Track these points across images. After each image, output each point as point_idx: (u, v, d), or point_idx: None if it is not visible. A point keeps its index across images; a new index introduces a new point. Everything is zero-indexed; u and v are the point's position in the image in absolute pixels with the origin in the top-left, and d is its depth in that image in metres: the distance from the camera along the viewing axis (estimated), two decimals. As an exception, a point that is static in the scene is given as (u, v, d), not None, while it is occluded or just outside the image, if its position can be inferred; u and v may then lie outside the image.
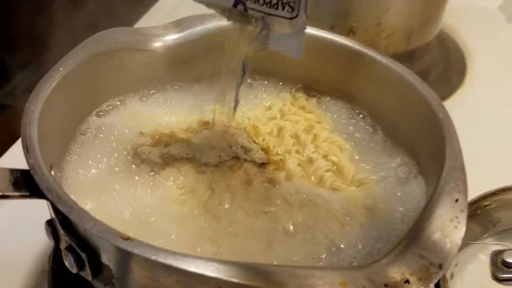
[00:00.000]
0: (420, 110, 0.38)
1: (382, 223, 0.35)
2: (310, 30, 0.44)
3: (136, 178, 0.37)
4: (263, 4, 0.31)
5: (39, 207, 0.38)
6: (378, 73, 0.42)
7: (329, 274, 0.25)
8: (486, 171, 0.51)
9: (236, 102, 0.38)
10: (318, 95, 0.47)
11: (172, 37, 0.44)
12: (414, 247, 0.27)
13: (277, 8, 0.31)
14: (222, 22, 0.44)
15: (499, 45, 0.75)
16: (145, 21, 0.73)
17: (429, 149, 0.35)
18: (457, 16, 0.78)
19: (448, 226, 0.27)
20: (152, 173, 0.37)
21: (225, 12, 0.34)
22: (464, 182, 0.30)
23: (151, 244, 0.25)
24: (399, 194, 0.37)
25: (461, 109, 0.63)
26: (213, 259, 0.24)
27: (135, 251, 0.24)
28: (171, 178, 0.37)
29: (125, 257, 0.26)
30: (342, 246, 0.33)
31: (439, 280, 0.36)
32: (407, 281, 0.25)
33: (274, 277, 0.24)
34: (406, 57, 0.66)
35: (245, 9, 0.32)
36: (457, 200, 0.29)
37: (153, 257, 0.24)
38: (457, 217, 0.28)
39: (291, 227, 0.34)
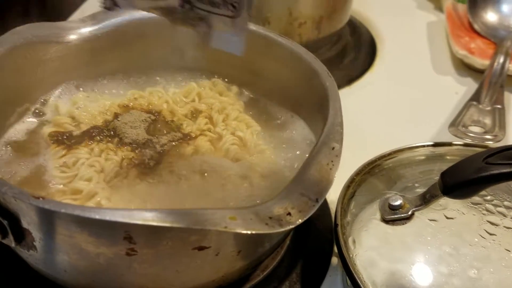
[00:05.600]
0: (312, 81, 0.43)
1: (275, 184, 0.40)
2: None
3: (47, 160, 0.41)
4: (207, 3, 0.33)
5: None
6: (279, 53, 0.47)
7: (221, 211, 0.29)
8: (387, 137, 0.58)
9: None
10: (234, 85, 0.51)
11: (88, 29, 0.47)
12: (296, 187, 0.31)
13: (220, 8, 0.33)
14: (137, 14, 0.49)
15: (408, 30, 0.82)
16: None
17: (319, 112, 0.41)
18: (369, 4, 0.85)
19: (325, 168, 0.32)
20: (63, 152, 0.40)
21: (168, 16, 0.36)
22: (341, 134, 0.35)
23: (60, 201, 0.28)
24: (292, 157, 0.42)
25: (370, 87, 0.70)
26: (118, 208, 0.28)
27: (46, 206, 0.28)
28: (82, 157, 0.40)
29: (40, 215, 0.29)
30: (231, 203, 0.38)
31: (337, 226, 0.41)
32: (288, 214, 0.30)
33: (174, 217, 0.28)
34: (319, 44, 0.72)
35: (192, 8, 0.34)
36: (333, 148, 0.34)
37: (62, 210, 0.27)
38: (332, 161, 0.33)
39: (191, 191, 0.39)
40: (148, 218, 0.27)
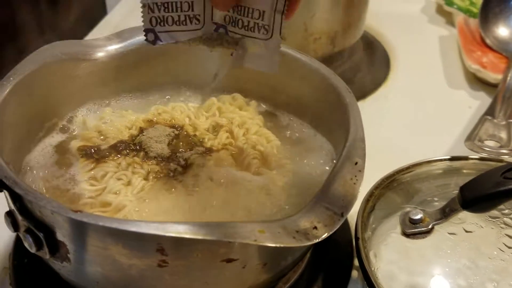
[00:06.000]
0: (331, 96, 0.44)
1: (295, 196, 0.41)
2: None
3: (76, 173, 0.42)
4: (241, 28, 0.35)
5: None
6: (298, 69, 0.49)
7: (250, 225, 0.30)
8: (403, 150, 0.59)
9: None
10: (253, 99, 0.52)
11: (114, 47, 0.48)
12: (321, 202, 0.32)
13: (253, 31, 0.35)
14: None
15: (421, 44, 0.83)
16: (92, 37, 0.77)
17: (340, 127, 0.42)
18: (381, 19, 0.86)
19: (349, 183, 0.33)
20: (92, 166, 0.42)
21: (206, 42, 0.37)
22: (363, 149, 0.36)
23: (98, 215, 0.29)
24: (312, 171, 0.43)
25: (384, 101, 0.71)
26: (152, 221, 0.29)
27: (85, 219, 0.29)
28: (111, 171, 0.42)
29: (77, 228, 0.31)
30: (255, 216, 0.39)
31: (358, 240, 0.42)
32: (315, 228, 0.31)
33: (206, 230, 0.29)
34: (334, 59, 0.73)
35: (226, 32, 0.36)
36: (356, 163, 0.35)
37: (100, 223, 0.29)
38: (355, 176, 0.34)
39: (214, 203, 0.40)
40: (181, 230, 0.29)
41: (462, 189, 0.40)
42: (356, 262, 0.47)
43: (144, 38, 0.36)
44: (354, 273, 0.47)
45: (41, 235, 0.33)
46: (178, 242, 0.30)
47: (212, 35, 0.36)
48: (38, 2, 0.76)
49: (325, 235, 0.31)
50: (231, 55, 0.38)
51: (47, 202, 0.30)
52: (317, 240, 0.30)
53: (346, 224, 0.50)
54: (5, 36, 0.67)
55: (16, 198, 0.33)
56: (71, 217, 0.29)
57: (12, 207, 0.34)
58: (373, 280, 0.39)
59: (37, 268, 0.43)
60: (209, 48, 0.37)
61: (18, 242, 0.45)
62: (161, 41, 0.36)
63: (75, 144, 0.44)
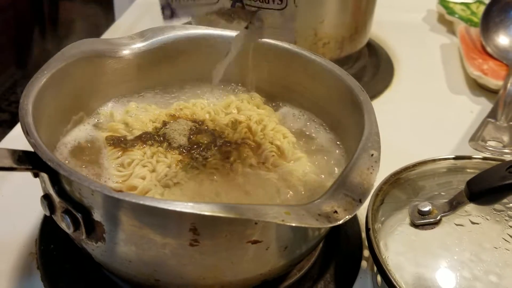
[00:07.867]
0: (346, 95, 0.47)
1: (311, 186, 0.44)
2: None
3: (105, 160, 0.44)
4: (256, 0, 0.36)
5: (22, 199, 0.44)
6: (313, 69, 0.51)
7: (276, 207, 0.32)
8: (407, 150, 0.61)
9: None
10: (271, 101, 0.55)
11: (138, 46, 0.51)
12: (340, 189, 0.35)
13: (268, 2, 0.36)
14: (180, 32, 0.53)
15: (423, 51, 0.87)
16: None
17: (353, 123, 0.44)
18: (386, 27, 0.90)
19: (365, 173, 0.36)
20: (119, 154, 0.45)
21: (223, 17, 0.38)
22: (378, 142, 0.39)
23: (137, 195, 0.32)
24: (327, 166, 0.46)
25: (389, 105, 0.74)
26: (189, 201, 0.32)
27: (126, 198, 0.31)
28: (137, 158, 0.44)
29: (116, 207, 0.33)
30: (278, 202, 0.41)
31: (369, 231, 0.45)
32: (335, 212, 0.33)
33: (238, 210, 0.31)
34: (340, 63, 0.74)
35: (243, 6, 0.37)
36: (372, 155, 0.37)
37: (141, 202, 0.31)
38: (372, 166, 0.36)
39: (233, 191, 0.42)
40: (215, 210, 0.31)
41: (469, 183, 0.43)
42: (365, 253, 0.50)
43: (162, 16, 0.37)
44: (363, 264, 0.49)
45: (79, 215, 0.35)
46: (210, 222, 0.33)
47: (228, 10, 0.38)
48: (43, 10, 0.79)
49: (345, 218, 0.33)
50: (246, 28, 0.38)
51: (90, 183, 0.32)
52: (338, 223, 0.33)
53: (355, 218, 0.52)
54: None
55: (55, 180, 0.36)
56: (113, 196, 0.31)
57: (50, 190, 0.37)
58: (384, 267, 0.41)
59: (64, 253, 0.45)
60: (228, 23, 0.38)
61: (44, 228, 0.48)
62: (178, 16, 0.37)
63: (103, 134, 0.47)
